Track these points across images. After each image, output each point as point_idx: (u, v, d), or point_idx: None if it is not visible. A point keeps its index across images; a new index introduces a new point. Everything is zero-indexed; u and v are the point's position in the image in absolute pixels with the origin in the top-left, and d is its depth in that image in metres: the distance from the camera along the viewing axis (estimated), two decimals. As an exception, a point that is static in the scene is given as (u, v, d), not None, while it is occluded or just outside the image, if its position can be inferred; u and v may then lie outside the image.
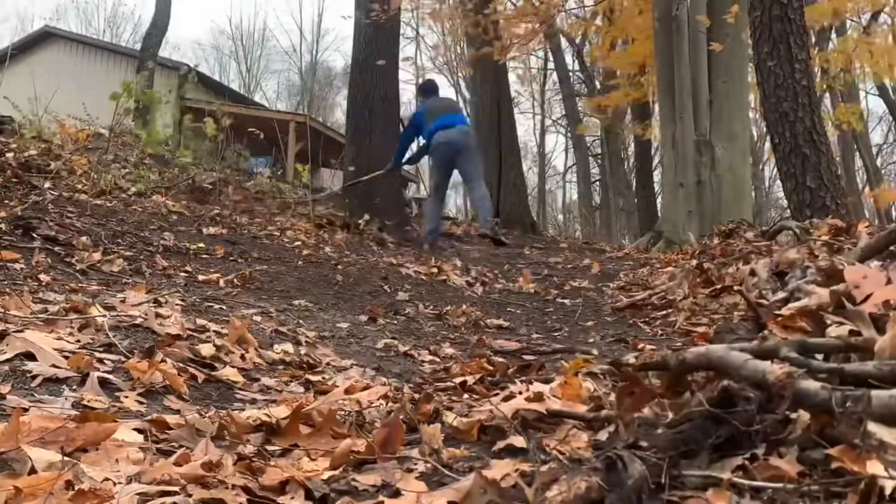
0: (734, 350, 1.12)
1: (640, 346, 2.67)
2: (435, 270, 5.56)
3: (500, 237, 7.79)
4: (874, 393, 0.88)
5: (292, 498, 1.11)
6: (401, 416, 1.44)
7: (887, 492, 0.81)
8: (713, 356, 1.18)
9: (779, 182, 6.20)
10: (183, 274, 3.93)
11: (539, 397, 1.50)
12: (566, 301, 4.57)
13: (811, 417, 0.98)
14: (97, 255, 3.77)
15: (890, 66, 13.07)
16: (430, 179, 7.16)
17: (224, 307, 3.16)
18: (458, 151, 7.70)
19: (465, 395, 1.87)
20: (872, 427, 0.87)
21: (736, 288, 3.16)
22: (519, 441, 1.30)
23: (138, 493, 1.04)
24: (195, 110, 9.99)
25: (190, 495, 1.07)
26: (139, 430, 1.37)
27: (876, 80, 13.19)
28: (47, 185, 5.68)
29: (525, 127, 39.12)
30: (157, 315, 2.44)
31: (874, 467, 0.83)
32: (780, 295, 2.62)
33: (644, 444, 0.83)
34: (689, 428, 0.90)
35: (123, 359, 1.92)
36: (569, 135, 31.15)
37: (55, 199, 5.26)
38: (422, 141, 8.36)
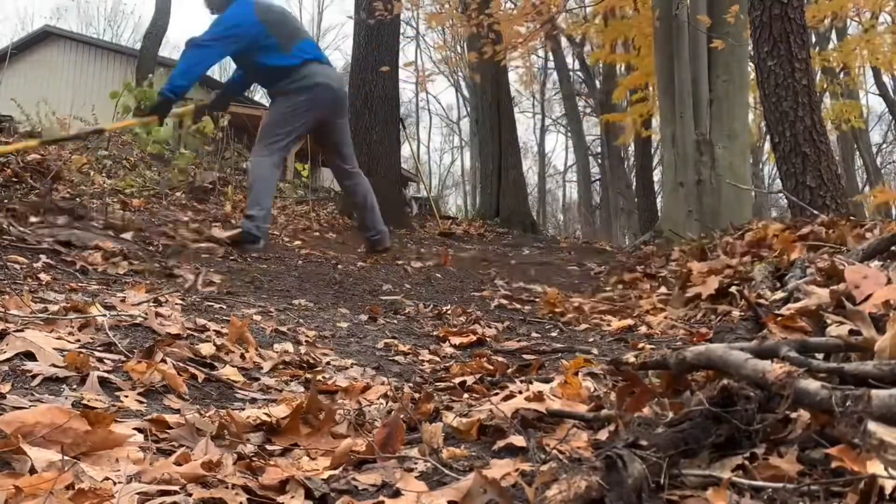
0: (734, 349, 1.12)
1: (639, 346, 2.67)
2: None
3: (389, 245, 5.83)
4: (874, 392, 0.88)
5: (292, 497, 1.11)
6: (401, 416, 1.44)
7: (887, 491, 0.81)
8: (713, 355, 1.18)
9: (779, 181, 6.19)
10: (183, 273, 3.93)
11: (539, 397, 1.50)
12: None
13: (811, 416, 0.98)
14: (98, 255, 3.77)
15: (890, 62, 13.08)
16: (274, 130, 4.93)
17: (224, 307, 3.16)
18: (341, 108, 5.26)
19: (465, 395, 1.87)
20: (872, 426, 0.87)
21: (734, 288, 3.15)
22: (519, 440, 1.30)
23: (138, 493, 1.04)
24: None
25: (190, 494, 1.07)
26: (139, 430, 1.37)
27: (872, 61, 13.15)
28: (47, 184, 5.67)
29: (525, 126, 39.14)
30: (157, 314, 2.44)
31: (874, 467, 0.83)
32: (780, 295, 2.62)
33: (644, 443, 0.83)
34: (690, 427, 0.90)
35: (124, 358, 1.92)
36: (569, 134, 31.15)
37: (55, 198, 5.26)
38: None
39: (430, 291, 4.78)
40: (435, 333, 3.20)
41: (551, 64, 26.53)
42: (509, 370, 2.26)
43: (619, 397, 1.30)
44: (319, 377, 2.13)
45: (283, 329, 2.84)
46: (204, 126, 9.03)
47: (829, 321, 1.63)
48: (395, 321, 3.50)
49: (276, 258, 5.17)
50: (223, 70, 40.15)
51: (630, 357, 1.54)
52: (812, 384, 0.94)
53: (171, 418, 1.46)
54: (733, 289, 3.14)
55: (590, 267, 6.95)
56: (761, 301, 2.59)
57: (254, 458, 1.25)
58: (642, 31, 12.17)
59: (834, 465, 0.89)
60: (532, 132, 36.63)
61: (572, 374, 1.74)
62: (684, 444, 0.90)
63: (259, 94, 36.48)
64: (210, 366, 2.05)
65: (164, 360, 1.87)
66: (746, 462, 0.95)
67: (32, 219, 4.24)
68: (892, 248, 2.61)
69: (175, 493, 1.07)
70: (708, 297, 3.22)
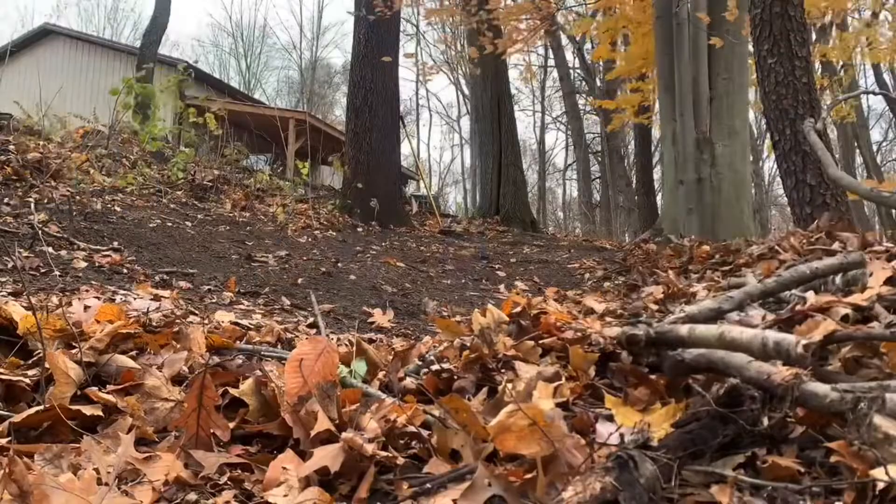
0: (736, 352, 1.11)
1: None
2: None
3: None
4: (889, 395, 0.87)
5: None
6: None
7: (879, 487, 0.81)
8: (714, 357, 1.17)
9: (779, 179, 6.21)
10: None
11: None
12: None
13: (815, 417, 0.98)
14: (106, 252, 3.77)
15: (891, 57, 13.08)
16: None
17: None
18: None
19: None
20: (878, 419, 0.86)
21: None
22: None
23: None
24: (195, 107, 9.97)
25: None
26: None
27: (872, 57, 13.16)
28: (48, 182, 5.67)
29: (525, 124, 39.11)
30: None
31: (879, 474, 0.82)
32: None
33: (654, 443, 0.83)
34: (698, 427, 0.90)
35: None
36: (569, 132, 31.11)
37: (56, 196, 5.25)
38: None
39: (431, 291, 4.78)
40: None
41: (552, 62, 26.48)
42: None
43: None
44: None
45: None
46: (206, 121, 9.03)
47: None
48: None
49: (287, 256, 5.17)
50: (223, 67, 40.12)
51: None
52: (820, 387, 0.93)
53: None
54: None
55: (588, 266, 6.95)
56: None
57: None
58: (635, 20, 12.15)
59: (833, 459, 0.88)
60: (532, 130, 36.59)
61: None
62: (693, 445, 0.90)
63: (258, 93, 36.47)
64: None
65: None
66: (747, 461, 0.95)
67: None
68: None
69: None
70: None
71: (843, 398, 0.89)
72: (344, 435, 1.12)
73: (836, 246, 3.23)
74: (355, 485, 1.08)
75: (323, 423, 1.22)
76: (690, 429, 0.91)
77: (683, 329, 1.29)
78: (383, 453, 1.11)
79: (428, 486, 1.00)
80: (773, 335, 1.08)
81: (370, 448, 1.07)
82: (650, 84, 12.86)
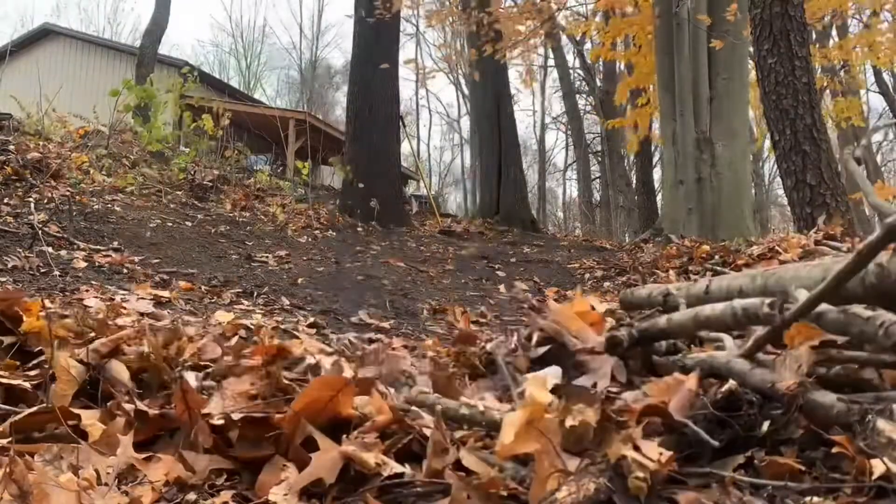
0: (738, 358, 1.11)
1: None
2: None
3: None
4: (895, 406, 0.86)
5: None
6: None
7: (875, 476, 0.80)
8: (716, 363, 1.16)
9: (779, 179, 6.22)
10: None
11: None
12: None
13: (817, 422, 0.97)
14: (106, 252, 3.77)
15: (891, 60, 13.07)
16: None
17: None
18: None
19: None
20: (881, 423, 0.86)
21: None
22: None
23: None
24: (195, 108, 9.98)
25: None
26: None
27: (872, 59, 13.17)
28: (48, 182, 5.67)
29: (525, 124, 39.05)
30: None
31: (878, 468, 0.82)
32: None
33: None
34: (694, 430, 0.90)
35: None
36: (569, 132, 31.12)
37: (56, 196, 5.26)
38: None
39: (431, 291, 4.79)
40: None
41: (551, 62, 26.48)
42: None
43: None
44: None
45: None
46: (204, 123, 9.03)
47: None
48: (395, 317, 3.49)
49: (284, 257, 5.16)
50: (223, 67, 40.11)
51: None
52: (827, 397, 0.92)
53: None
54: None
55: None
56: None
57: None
58: (643, 29, 12.13)
59: (835, 450, 0.88)
60: (532, 130, 36.58)
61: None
62: (688, 448, 0.90)
63: (258, 93, 36.44)
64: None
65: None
66: (747, 461, 0.95)
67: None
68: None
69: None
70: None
71: (849, 409, 0.88)
72: (342, 448, 1.10)
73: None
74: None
75: (325, 448, 1.16)
76: (687, 431, 0.91)
77: (662, 320, 1.29)
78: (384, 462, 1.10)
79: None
80: (740, 303, 1.09)
81: (371, 459, 1.06)
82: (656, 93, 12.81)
